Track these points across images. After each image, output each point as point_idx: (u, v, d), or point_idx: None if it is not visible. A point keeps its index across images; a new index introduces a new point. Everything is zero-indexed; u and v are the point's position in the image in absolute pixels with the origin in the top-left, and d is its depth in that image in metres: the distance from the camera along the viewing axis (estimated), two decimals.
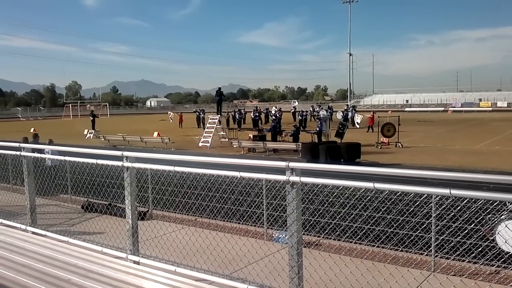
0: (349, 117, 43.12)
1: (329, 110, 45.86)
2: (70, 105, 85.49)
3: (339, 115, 45.71)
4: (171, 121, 51.88)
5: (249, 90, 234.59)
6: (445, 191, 2.94)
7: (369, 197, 6.05)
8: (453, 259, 6.38)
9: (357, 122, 41.58)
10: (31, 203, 6.67)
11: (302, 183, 3.70)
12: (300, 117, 41.70)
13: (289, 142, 24.60)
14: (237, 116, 45.36)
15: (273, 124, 29.65)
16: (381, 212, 6.72)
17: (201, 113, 47.29)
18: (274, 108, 51.28)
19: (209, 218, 8.86)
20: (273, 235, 7.87)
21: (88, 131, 37.34)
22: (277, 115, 39.69)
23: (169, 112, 50.52)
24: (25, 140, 12.99)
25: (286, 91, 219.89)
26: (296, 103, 69.96)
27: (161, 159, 5.10)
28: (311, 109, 53.21)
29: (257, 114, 46.63)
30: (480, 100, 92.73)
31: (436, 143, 26.26)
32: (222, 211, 8.37)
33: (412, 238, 6.50)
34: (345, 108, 49.65)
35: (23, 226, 6.60)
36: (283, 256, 4.71)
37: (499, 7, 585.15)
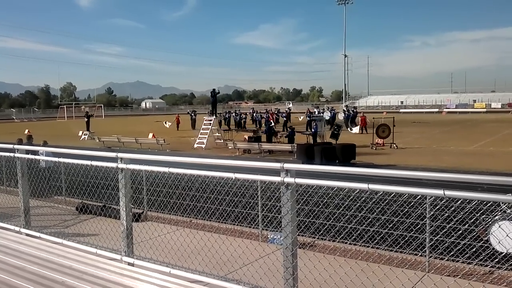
0: (350, 117, 43.44)
1: (333, 111, 46.17)
2: (65, 106, 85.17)
3: (340, 116, 45.91)
4: (166, 125, 49.23)
5: (245, 91, 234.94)
6: (439, 192, 2.95)
7: (363, 198, 6.05)
8: (447, 260, 6.41)
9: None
10: (25, 205, 6.64)
11: (296, 184, 3.71)
12: (308, 118, 41.47)
13: (284, 143, 24.62)
14: (237, 118, 45.58)
15: (268, 125, 29.66)
16: (375, 213, 6.73)
17: (192, 114, 47.42)
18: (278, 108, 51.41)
19: (204, 219, 8.85)
20: (268, 236, 7.87)
21: (82, 132, 37.21)
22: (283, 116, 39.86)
23: (165, 122, 47.84)
24: (20, 142, 12.92)
25: (282, 92, 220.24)
26: (291, 104, 70.22)
27: (156, 160, 5.10)
28: (315, 110, 52.61)
29: (259, 115, 46.72)
30: (475, 101, 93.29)
31: (430, 144, 26.36)
32: (217, 212, 8.37)
33: (406, 238, 6.52)
34: (344, 109, 49.82)
35: (17, 228, 6.57)
36: (278, 257, 4.71)
37: (494, 9, 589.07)
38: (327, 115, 43.72)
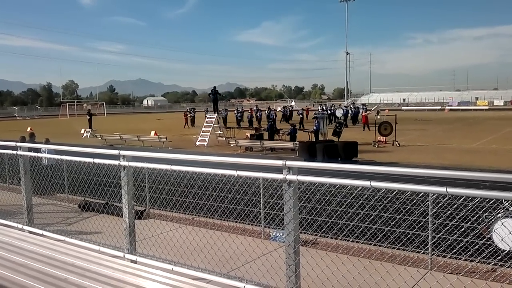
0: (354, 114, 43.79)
1: (346, 108, 46.30)
2: (67, 104, 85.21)
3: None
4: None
5: (246, 89, 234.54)
6: (441, 189, 2.95)
7: (366, 196, 6.06)
8: (449, 257, 6.40)
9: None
10: (28, 203, 6.66)
11: (299, 181, 3.71)
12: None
13: (286, 141, 24.61)
14: (249, 116, 45.70)
15: (269, 123, 29.64)
16: (378, 211, 6.73)
17: (191, 112, 47.60)
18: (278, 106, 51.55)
19: (206, 217, 8.86)
20: (270, 233, 7.87)
21: (85, 130, 37.23)
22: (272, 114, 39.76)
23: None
24: (23, 139, 12.96)
25: (283, 90, 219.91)
26: (293, 102, 70.22)
27: (158, 158, 5.10)
28: (319, 107, 52.13)
29: (273, 113, 46.78)
30: (477, 98, 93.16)
31: (433, 141, 26.32)
32: (219, 210, 8.37)
33: (409, 236, 6.52)
34: (351, 106, 49.95)
35: (20, 226, 6.59)
36: (280, 254, 4.72)
37: (496, 6, 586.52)
38: (339, 113, 43.83)
